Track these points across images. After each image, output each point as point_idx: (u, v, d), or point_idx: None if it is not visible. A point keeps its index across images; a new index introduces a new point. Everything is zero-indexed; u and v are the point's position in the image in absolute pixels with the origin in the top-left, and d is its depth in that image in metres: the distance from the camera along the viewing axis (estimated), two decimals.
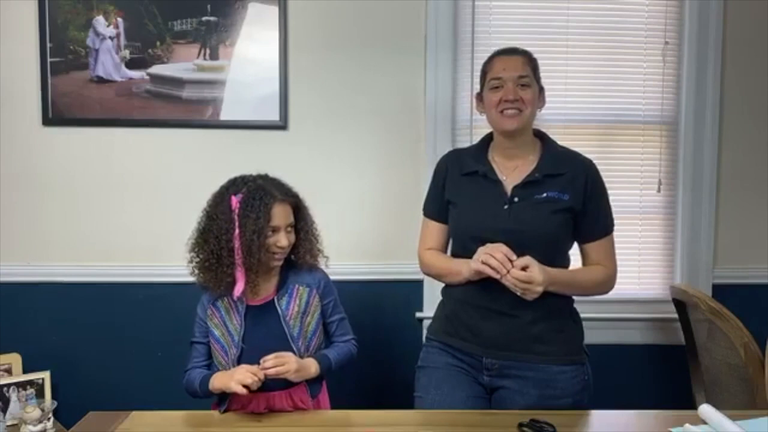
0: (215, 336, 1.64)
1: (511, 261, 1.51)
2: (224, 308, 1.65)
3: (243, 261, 1.57)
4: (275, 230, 1.60)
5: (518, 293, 1.53)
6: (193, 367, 1.66)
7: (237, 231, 1.57)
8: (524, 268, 1.52)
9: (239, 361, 1.58)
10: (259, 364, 1.51)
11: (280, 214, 1.61)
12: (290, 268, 1.70)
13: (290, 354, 1.55)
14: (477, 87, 1.75)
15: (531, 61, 1.67)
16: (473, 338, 1.65)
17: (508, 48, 1.70)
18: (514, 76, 1.62)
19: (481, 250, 1.56)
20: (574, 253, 1.74)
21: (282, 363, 1.50)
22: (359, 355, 1.74)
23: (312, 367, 1.60)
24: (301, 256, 1.69)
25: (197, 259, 1.63)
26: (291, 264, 1.70)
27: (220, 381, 1.53)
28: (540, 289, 1.52)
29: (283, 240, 1.61)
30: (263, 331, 1.62)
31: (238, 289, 1.59)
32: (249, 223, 1.56)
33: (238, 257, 1.57)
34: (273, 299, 1.64)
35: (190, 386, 1.62)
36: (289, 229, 1.64)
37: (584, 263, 1.72)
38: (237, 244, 1.57)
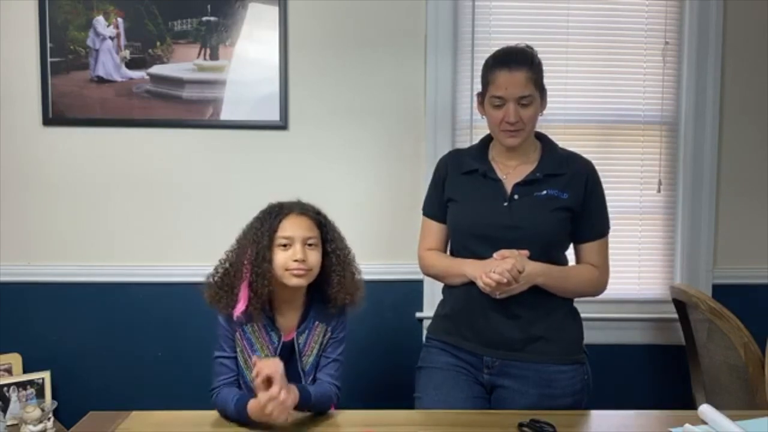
0: (239, 362, 1.57)
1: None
2: (254, 336, 1.56)
3: (250, 279, 1.50)
4: (289, 243, 1.51)
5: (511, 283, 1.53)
6: (222, 385, 1.54)
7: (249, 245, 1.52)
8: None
9: None
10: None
11: (294, 225, 1.52)
12: (315, 301, 1.59)
13: (293, 391, 1.40)
14: (477, 86, 1.74)
15: (535, 73, 1.61)
16: (474, 336, 1.65)
17: (512, 56, 1.62)
18: (515, 95, 1.59)
19: (490, 267, 1.54)
20: (570, 255, 1.75)
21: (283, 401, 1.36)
22: (359, 355, 1.73)
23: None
24: (334, 289, 1.55)
25: (215, 276, 1.56)
26: (317, 298, 1.59)
27: (255, 415, 1.40)
28: (518, 264, 1.52)
29: (299, 253, 1.50)
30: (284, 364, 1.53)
31: (239, 308, 1.50)
32: (258, 234, 1.51)
33: (245, 272, 1.51)
34: (294, 334, 1.57)
35: (221, 408, 1.49)
36: (310, 243, 1.53)
37: (578, 263, 1.73)
38: (246, 258, 1.51)
